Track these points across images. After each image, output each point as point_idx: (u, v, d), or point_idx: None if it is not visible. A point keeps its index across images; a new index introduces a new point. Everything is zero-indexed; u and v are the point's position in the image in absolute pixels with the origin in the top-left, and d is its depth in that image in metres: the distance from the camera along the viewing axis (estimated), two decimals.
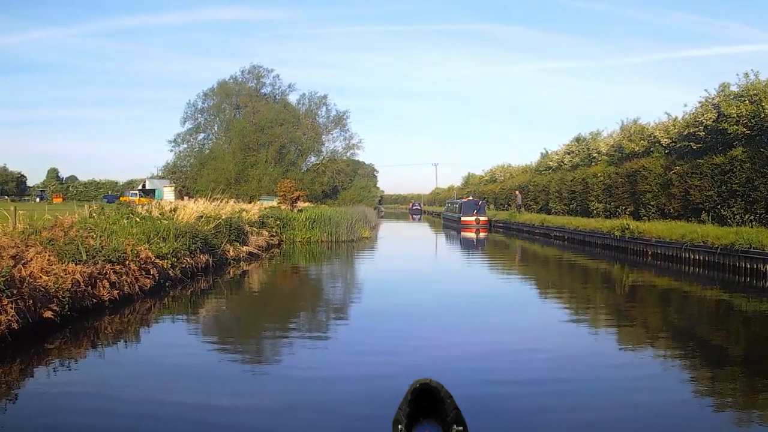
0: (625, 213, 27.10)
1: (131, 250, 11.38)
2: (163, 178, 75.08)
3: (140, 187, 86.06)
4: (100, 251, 10.75)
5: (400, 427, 4.23)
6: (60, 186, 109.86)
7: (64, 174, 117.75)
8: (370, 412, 5.63)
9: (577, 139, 38.60)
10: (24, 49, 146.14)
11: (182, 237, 14.03)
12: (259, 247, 19.08)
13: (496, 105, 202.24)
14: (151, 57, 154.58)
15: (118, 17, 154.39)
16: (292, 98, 70.08)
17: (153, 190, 76.25)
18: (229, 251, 16.68)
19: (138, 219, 14.87)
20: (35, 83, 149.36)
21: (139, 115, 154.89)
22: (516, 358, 7.85)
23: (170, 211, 17.72)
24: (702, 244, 16.48)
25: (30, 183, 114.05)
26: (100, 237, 11.80)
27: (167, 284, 12.32)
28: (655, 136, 26.59)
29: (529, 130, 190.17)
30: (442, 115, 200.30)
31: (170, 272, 12.57)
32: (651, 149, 26.69)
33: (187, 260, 13.60)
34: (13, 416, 5.74)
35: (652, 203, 25.20)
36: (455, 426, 4.26)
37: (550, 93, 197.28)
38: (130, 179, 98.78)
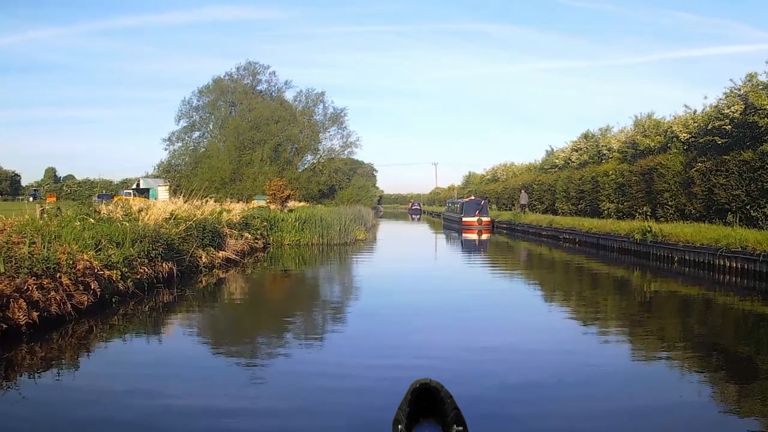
0: (639, 213, 25.14)
1: (66, 260, 9.39)
2: (158, 177, 73.63)
3: (134, 187, 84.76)
4: (27, 261, 8.80)
5: (400, 427, 4.23)
6: (55, 185, 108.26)
7: (62, 173, 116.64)
8: (369, 412, 5.59)
9: (585, 136, 36.60)
10: (22, 48, 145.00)
11: (141, 242, 12.04)
12: (238, 251, 17.05)
13: (496, 105, 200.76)
14: (150, 57, 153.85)
15: (116, 17, 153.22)
16: (289, 95, 68.22)
17: (147, 190, 74.90)
18: (201, 257, 14.69)
19: (92, 221, 12.88)
20: (34, 83, 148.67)
21: (139, 115, 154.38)
22: (519, 359, 7.69)
23: (138, 212, 15.76)
24: (740, 250, 14.45)
25: (28, 182, 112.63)
26: (32, 244, 9.81)
27: (114, 300, 10.31)
28: (673, 131, 24.59)
29: (529, 130, 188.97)
30: (442, 115, 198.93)
31: (119, 285, 10.57)
32: (668, 145, 24.69)
33: (144, 269, 11.61)
34: None
35: (670, 203, 23.20)
36: (455, 426, 4.23)
37: (550, 93, 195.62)
38: (125, 178, 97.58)
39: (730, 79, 21.30)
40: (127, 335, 9.09)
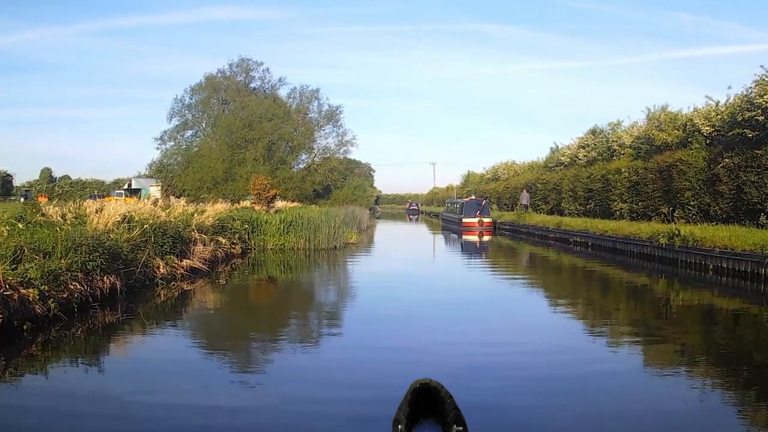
0: (656, 214, 23.03)
1: None
2: (150, 177, 71.91)
3: (126, 187, 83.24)
4: None
5: (400, 427, 4.22)
6: (48, 185, 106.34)
7: (58, 174, 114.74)
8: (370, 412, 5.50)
9: (593, 132, 34.40)
10: (21, 48, 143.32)
11: (76, 251, 9.88)
12: (206, 259, 14.82)
13: (495, 105, 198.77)
14: (148, 56, 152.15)
15: (114, 17, 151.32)
16: (283, 92, 65.94)
17: (139, 190, 73.28)
18: (158, 267, 12.51)
19: (21, 226, 10.72)
20: (32, 83, 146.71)
21: (138, 115, 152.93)
22: (521, 362, 7.43)
23: (93, 213, 13.60)
24: None
25: (22, 183, 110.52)
26: None
27: (26, 327, 8.13)
28: (693, 124, 22.44)
29: (529, 130, 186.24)
30: (440, 115, 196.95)
31: (36, 307, 8.39)
32: (689, 139, 22.53)
33: (75, 286, 9.44)
34: None
35: (692, 203, 21.03)
36: (455, 426, 4.20)
37: (550, 93, 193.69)
38: (117, 178, 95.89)
39: (761, 66, 19.17)
40: (32, 375, 6.98)
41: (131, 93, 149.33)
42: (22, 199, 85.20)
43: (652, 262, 17.92)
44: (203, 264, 14.40)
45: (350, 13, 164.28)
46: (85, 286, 9.73)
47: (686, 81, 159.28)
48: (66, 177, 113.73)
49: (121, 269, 10.86)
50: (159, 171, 66.24)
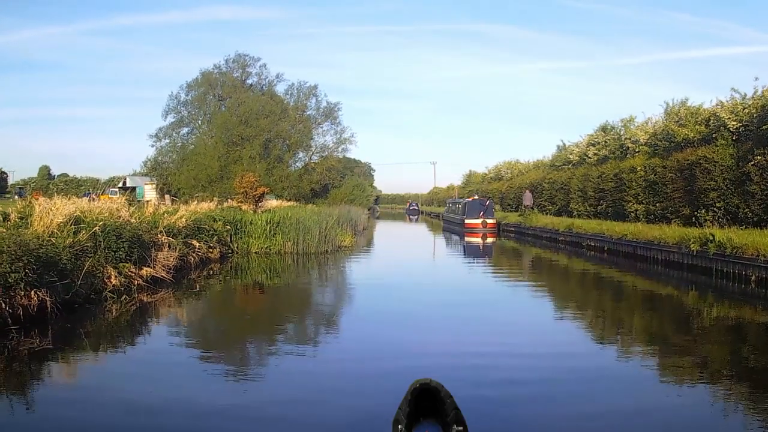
0: (676, 216, 21.18)
1: None
2: (145, 175, 70.31)
3: (120, 185, 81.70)
4: None
5: (400, 427, 4.20)
6: (45, 183, 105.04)
7: (57, 172, 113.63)
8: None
9: (603, 128, 32.53)
10: (20, 47, 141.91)
11: None
12: (171, 267, 12.86)
13: (496, 105, 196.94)
14: (147, 55, 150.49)
15: (114, 15, 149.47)
16: (280, 89, 64.36)
17: (134, 188, 71.69)
18: (110, 278, 10.61)
19: None
20: (31, 82, 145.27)
21: (138, 114, 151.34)
22: (523, 363, 7.26)
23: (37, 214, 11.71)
24: None
25: (19, 180, 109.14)
26: None
27: None
28: (719, 118, 20.56)
29: (529, 130, 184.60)
30: (440, 115, 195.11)
31: None
32: (713, 135, 20.65)
33: None
34: None
35: (717, 205, 19.16)
36: (455, 426, 4.22)
37: (549, 93, 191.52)
38: (112, 176, 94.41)
39: None
40: None
41: (131, 92, 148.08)
42: (17, 197, 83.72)
43: (680, 271, 15.93)
44: (167, 272, 12.46)
45: (350, 13, 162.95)
46: (3, 305, 7.84)
47: (687, 81, 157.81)
48: (64, 175, 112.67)
49: (56, 281, 8.95)
50: (154, 169, 64.64)
